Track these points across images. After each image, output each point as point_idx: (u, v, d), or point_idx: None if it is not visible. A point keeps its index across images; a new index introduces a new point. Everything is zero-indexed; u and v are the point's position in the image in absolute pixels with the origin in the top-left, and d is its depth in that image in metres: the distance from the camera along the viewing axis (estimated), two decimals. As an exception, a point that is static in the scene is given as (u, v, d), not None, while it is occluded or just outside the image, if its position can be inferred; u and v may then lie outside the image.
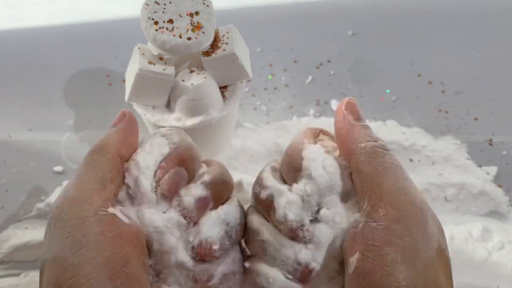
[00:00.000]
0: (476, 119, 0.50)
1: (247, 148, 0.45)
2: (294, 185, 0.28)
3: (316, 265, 0.27)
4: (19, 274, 0.41)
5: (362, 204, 0.26)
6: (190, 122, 0.37)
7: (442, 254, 0.25)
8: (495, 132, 0.48)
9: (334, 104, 0.50)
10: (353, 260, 0.25)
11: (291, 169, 0.29)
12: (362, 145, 0.27)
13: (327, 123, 0.48)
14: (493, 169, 0.46)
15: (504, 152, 0.47)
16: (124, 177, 0.28)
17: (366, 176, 0.26)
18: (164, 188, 0.28)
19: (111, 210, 0.26)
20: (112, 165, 0.28)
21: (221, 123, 0.39)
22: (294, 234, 0.27)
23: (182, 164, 0.29)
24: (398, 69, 0.54)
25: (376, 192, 0.25)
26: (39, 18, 0.59)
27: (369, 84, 0.52)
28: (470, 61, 0.54)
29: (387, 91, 0.52)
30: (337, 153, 0.30)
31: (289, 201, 0.28)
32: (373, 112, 0.50)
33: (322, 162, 0.28)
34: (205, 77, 0.37)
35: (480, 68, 0.54)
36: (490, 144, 0.48)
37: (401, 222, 0.24)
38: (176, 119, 0.38)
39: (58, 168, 0.45)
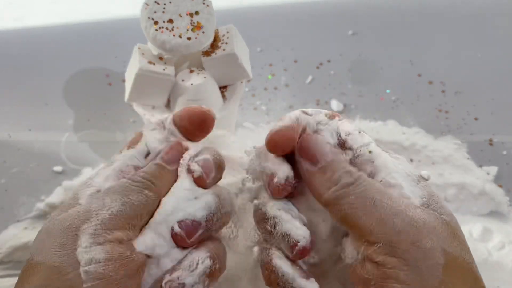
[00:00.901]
0: (476, 119, 0.50)
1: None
2: None
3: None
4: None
5: (354, 244, 0.25)
6: (190, 122, 0.37)
7: (453, 263, 0.24)
8: (495, 132, 0.48)
9: (334, 104, 0.50)
10: None
11: None
12: (325, 196, 0.26)
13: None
14: (493, 169, 0.46)
15: (504, 152, 0.47)
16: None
17: (344, 223, 0.25)
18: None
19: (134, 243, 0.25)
20: (149, 204, 0.26)
21: (221, 123, 0.39)
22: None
23: None
24: (398, 69, 0.54)
25: (357, 234, 0.25)
26: (39, 18, 0.59)
27: (369, 84, 0.52)
28: (470, 61, 0.54)
29: (387, 91, 0.52)
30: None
31: None
32: (373, 112, 0.50)
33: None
34: (205, 77, 0.37)
35: (480, 68, 0.54)
36: (491, 144, 0.48)
37: (393, 255, 0.23)
38: (176, 119, 0.37)
39: (57, 168, 0.45)
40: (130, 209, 0.25)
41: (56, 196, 0.44)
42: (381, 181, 0.26)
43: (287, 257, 0.27)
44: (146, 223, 0.26)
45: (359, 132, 0.28)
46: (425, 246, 0.23)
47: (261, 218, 0.28)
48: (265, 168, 0.27)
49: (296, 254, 0.26)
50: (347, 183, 0.25)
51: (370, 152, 0.27)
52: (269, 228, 0.27)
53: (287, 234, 0.26)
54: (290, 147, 0.27)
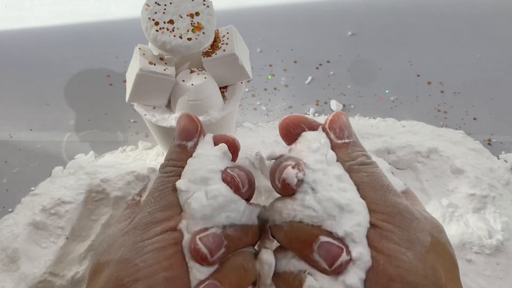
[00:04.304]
0: (475, 119, 0.50)
1: (247, 148, 0.45)
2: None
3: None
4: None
5: None
6: (191, 122, 0.37)
7: (440, 249, 0.27)
8: (494, 132, 0.48)
9: (333, 104, 0.50)
10: None
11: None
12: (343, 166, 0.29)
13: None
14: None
15: (503, 152, 0.47)
16: None
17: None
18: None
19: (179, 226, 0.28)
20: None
21: (221, 123, 0.39)
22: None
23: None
24: (398, 69, 0.54)
25: (365, 202, 0.28)
26: (41, 18, 0.59)
27: (369, 84, 0.52)
28: (470, 61, 0.55)
29: (387, 91, 0.52)
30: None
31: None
32: (373, 112, 0.50)
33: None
34: (205, 77, 0.37)
35: (480, 68, 0.54)
36: (489, 144, 0.48)
37: (390, 222, 0.27)
38: (177, 119, 0.38)
39: (59, 168, 0.45)
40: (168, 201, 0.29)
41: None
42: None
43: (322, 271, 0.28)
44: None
45: None
46: (419, 224, 0.27)
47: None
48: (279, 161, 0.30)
49: (335, 269, 0.27)
50: (363, 162, 0.29)
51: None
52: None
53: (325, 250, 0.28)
54: (300, 128, 0.31)
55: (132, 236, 0.28)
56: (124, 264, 0.27)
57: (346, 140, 0.30)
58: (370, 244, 0.26)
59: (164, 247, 0.27)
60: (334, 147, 0.30)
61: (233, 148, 0.31)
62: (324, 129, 0.31)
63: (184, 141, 0.31)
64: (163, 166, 0.30)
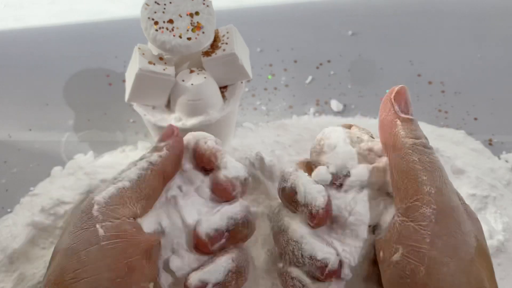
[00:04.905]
0: (476, 119, 0.50)
1: (247, 148, 0.45)
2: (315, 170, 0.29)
3: (351, 261, 0.28)
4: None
5: (398, 201, 0.26)
6: (190, 122, 0.37)
7: (483, 253, 0.25)
8: (495, 132, 0.48)
9: (334, 104, 0.50)
10: (392, 260, 0.25)
11: (316, 155, 0.30)
12: (403, 140, 0.27)
13: (327, 122, 0.48)
14: (493, 169, 0.46)
15: (504, 152, 0.47)
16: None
17: (402, 174, 0.26)
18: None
19: (138, 220, 0.27)
20: (154, 183, 0.29)
21: (221, 123, 0.39)
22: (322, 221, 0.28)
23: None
24: (398, 69, 0.54)
25: (411, 191, 0.25)
26: (39, 18, 0.59)
27: (369, 84, 0.52)
28: (470, 61, 0.54)
29: (387, 91, 0.52)
30: (363, 144, 0.30)
31: (309, 181, 0.29)
32: (374, 112, 0.50)
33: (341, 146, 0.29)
34: (205, 77, 0.37)
35: (480, 68, 0.54)
36: (490, 144, 0.48)
37: (438, 222, 0.24)
38: (176, 119, 0.38)
39: (58, 169, 0.45)
40: (132, 185, 0.28)
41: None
42: None
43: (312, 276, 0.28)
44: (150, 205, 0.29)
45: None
46: (467, 227, 0.25)
47: (285, 240, 0.29)
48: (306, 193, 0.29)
49: (325, 276, 0.27)
50: (425, 144, 0.27)
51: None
52: (294, 250, 0.28)
53: (313, 257, 0.27)
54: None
55: (86, 217, 0.26)
56: (69, 254, 0.25)
57: (410, 117, 0.28)
58: (409, 245, 0.24)
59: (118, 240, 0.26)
60: (393, 119, 0.28)
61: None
62: (387, 101, 0.29)
63: (158, 142, 0.31)
64: (131, 163, 0.30)
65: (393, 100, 0.29)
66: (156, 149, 0.30)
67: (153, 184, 0.29)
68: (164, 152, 0.30)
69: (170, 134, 0.31)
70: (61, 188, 0.42)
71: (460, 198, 0.27)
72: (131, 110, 0.48)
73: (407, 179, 0.26)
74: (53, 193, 0.41)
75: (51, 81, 0.52)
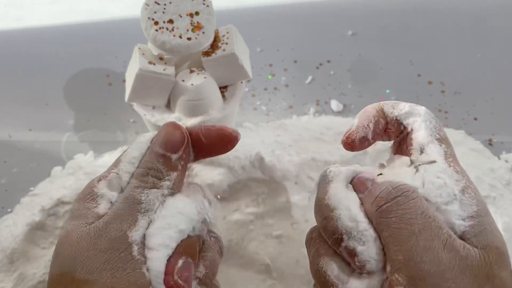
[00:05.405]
0: (476, 119, 0.50)
1: (247, 147, 0.45)
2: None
3: None
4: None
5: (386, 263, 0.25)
6: (190, 122, 0.37)
7: None
8: (495, 132, 0.48)
9: (334, 104, 0.50)
10: None
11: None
12: (371, 210, 0.26)
13: (327, 122, 0.48)
14: (493, 169, 0.46)
15: (504, 152, 0.47)
16: None
17: (382, 240, 0.25)
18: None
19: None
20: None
21: (221, 123, 0.39)
22: None
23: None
24: (398, 69, 0.54)
25: (390, 257, 0.25)
26: (40, 18, 0.59)
27: (369, 84, 0.52)
28: (470, 61, 0.54)
29: (387, 91, 0.52)
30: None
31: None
32: (373, 112, 0.50)
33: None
34: (205, 77, 0.37)
35: (480, 68, 0.54)
36: (490, 144, 0.48)
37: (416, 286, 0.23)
38: (176, 119, 0.38)
39: (58, 169, 0.45)
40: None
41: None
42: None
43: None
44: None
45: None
46: (459, 285, 0.23)
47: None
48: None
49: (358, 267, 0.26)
50: (386, 201, 0.25)
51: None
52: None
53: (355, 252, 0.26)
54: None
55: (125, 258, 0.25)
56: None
57: (365, 179, 0.27)
58: None
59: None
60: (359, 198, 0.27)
61: (228, 141, 0.29)
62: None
63: (168, 152, 0.27)
64: (142, 175, 0.27)
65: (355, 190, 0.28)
66: (169, 164, 0.27)
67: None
68: (179, 170, 0.28)
69: (181, 142, 0.28)
70: (61, 188, 0.42)
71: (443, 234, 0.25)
72: (131, 110, 0.48)
73: (385, 245, 0.25)
74: (53, 193, 0.41)
75: (51, 81, 0.52)
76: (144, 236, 0.26)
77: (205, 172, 0.42)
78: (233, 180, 0.42)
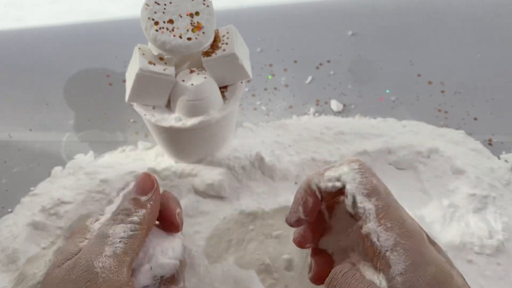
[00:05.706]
0: (475, 119, 0.50)
1: (247, 148, 0.45)
2: None
3: None
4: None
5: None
6: (190, 122, 0.37)
7: None
8: (495, 132, 0.48)
9: (334, 104, 0.50)
10: None
11: None
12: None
13: (327, 122, 0.48)
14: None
15: (504, 152, 0.47)
16: None
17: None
18: None
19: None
20: (143, 240, 0.32)
21: (221, 123, 0.39)
22: None
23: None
24: (398, 69, 0.54)
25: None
26: (40, 18, 0.59)
27: (369, 84, 0.52)
28: (470, 61, 0.54)
29: (387, 91, 0.52)
30: None
31: None
32: (373, 112, 0.50)
33: None
34: (205, 77, 0.37)
35: (480, 68, 0.54)
36: (490, 144, 0.48)
37: None
38: (176, 119, 0.38)
39: (58, 168, 0.45)
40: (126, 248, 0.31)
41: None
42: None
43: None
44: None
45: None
46: None
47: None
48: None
49: None
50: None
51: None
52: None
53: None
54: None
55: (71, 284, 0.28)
56: None
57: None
58: None
59: None
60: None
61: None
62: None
63: (139, 195, 0.33)
64: (116, 214, 0.32)
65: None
66: (139, 204, 0.33)
67: (142, 241, 0.32)
68: (149, 208, 0.32)
69: (151, 187, 0.33)
70: (61, 188, 0.42)
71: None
72: (131, 110, 0.48)
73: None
74: (54, 193, 0.41)
75: (51, 81, 0.52)
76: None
77: (205, 172, 0.42)
78: (233, 180, 0.43)
